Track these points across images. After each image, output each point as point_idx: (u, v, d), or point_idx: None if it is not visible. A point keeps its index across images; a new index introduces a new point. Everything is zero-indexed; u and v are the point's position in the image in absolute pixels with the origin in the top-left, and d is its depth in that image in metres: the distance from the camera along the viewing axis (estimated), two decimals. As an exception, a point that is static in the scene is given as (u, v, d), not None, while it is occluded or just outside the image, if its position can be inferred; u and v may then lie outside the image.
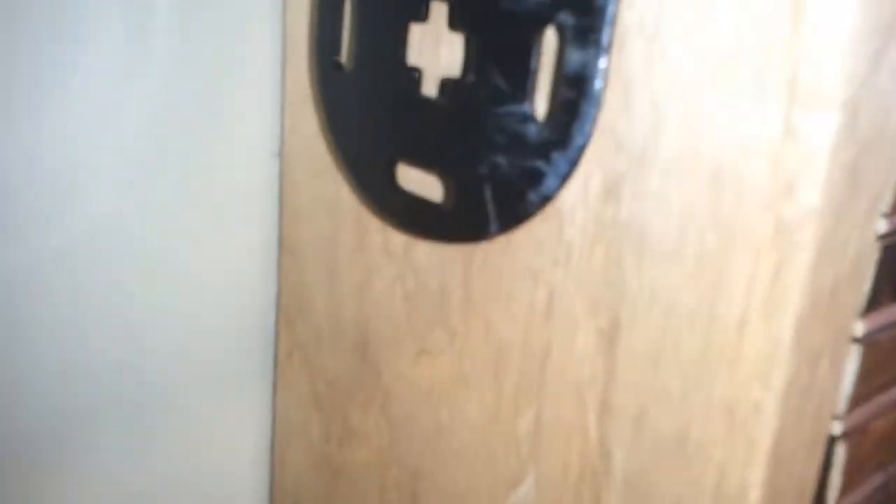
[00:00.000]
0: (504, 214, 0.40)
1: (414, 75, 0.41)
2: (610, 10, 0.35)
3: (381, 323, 0.48)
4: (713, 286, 0.36)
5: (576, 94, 0.37)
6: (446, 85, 0.40)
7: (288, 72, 0.50)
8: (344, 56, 0.44)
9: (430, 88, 0.42)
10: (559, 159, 0.38)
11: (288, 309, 0.54)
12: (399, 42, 0.41)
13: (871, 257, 0.37)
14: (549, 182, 0.38)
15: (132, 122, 0.48)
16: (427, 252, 0.45)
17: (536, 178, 0.38)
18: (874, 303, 0.39)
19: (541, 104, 0.38)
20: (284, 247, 0.53)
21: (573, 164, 0.38)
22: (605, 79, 0.36)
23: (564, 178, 0.38)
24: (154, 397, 0.55)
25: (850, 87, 0.31)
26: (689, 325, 0.37)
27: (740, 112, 0.33)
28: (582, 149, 0.37)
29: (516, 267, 0.42)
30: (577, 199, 0.39)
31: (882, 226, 0.37)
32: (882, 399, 0.43)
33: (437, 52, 0.42)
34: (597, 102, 0.36)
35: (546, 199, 0.39)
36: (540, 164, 0.38)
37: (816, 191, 0.32)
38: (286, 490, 0.60)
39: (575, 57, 0.36)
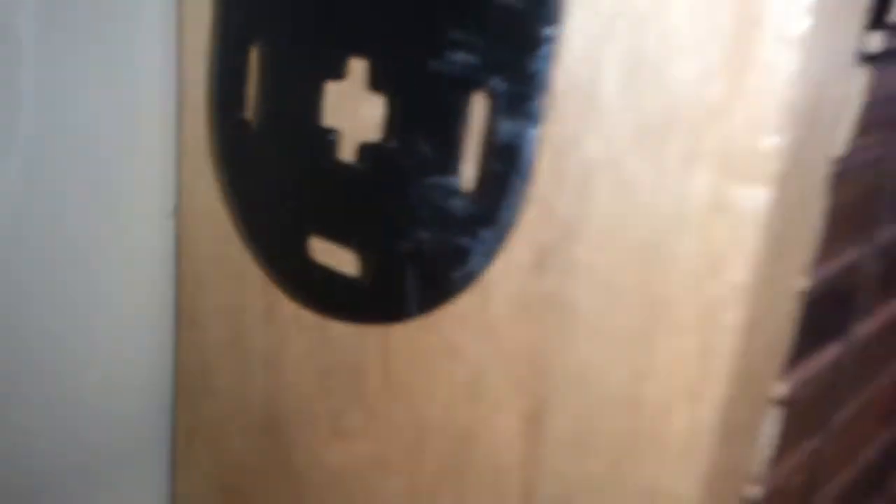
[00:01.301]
0: (425, 295, 0.37)
1: (330, 138, 0.38)
2: (544, 76, 0.33)
3: (293, 401, 0.44)
4: (641, 367, 0.35)
5: (505, 167, 0.34)
6: (365, 150, 0.37)
7: (185, 119, 0.45)
8: (249, 112, 0.40)
9: (348, 153, 0.38)
10: (487, 236, 0.35)
11: (188, 387, 0.49)
12: (313, 100, 0.37)
13: (791, 322, 0.36)
14: (476, 260, 0.36)
15: None
16: (343, 325, 0.42)
17: (461, 256, 0.36)
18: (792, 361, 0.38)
19: (468, 174, 0.36)
20: (183, 318, 0.48)
21: (501, 240, 0.35)
22: (538, 151, 0.34)
23: (491, 256, 0.36)
24: (40, 488, 0.48)
25: (782, 161, 0.30)
26: (615, 409, 0.35)
27: (671, 182, 0.32)
28: (510, 226, 0.35)
29: (438, 343, 0.39)
30: (503, 270, 0.37)
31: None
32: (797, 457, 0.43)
33: (356, 111, 0.39)
34: (527, 176, 0.34)
35: (471, 278, 0.36)
36: (466, 241, 0.35)
37: (745, 269, 0.31)
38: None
39: (505, 126, 0.34)
